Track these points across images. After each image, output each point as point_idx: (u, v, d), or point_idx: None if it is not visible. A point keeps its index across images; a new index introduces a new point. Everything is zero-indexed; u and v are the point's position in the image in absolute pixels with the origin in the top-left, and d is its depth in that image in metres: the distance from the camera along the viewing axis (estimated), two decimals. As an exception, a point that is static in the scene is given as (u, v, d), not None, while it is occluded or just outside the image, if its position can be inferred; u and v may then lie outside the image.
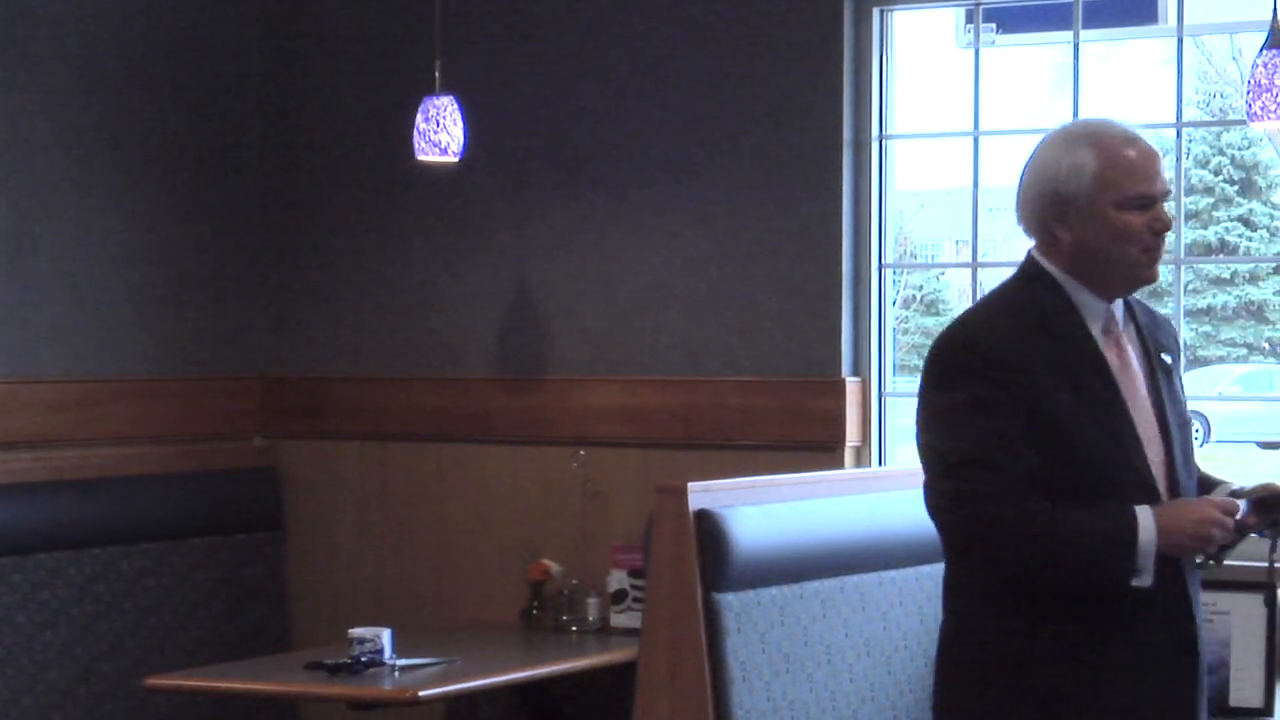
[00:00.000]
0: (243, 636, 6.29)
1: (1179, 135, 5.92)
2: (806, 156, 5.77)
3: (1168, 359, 3.87)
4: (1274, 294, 6.17)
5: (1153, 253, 3.75)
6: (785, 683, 4.62)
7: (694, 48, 5.90)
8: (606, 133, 6.04)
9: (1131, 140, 3.79)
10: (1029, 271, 3.77)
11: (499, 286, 6.18)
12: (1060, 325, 3.72)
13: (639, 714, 4.56)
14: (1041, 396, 3.62)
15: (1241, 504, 3.68)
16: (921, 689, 4.97)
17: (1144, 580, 3.53)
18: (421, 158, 5.77)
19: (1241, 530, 3.69)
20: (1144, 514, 3.57)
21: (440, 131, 5.68)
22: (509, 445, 6.15)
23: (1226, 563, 3.72)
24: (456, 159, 5.78)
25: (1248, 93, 4.94)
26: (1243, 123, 5.21)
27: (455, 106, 5.70)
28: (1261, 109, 4.88)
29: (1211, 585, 4.23)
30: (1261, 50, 4.89)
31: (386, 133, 6.16)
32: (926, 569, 4.91)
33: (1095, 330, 3.76)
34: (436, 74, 5.72)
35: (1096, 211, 3.73)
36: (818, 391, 5.70)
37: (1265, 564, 3.79)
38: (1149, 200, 3.72)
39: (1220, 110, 11.38)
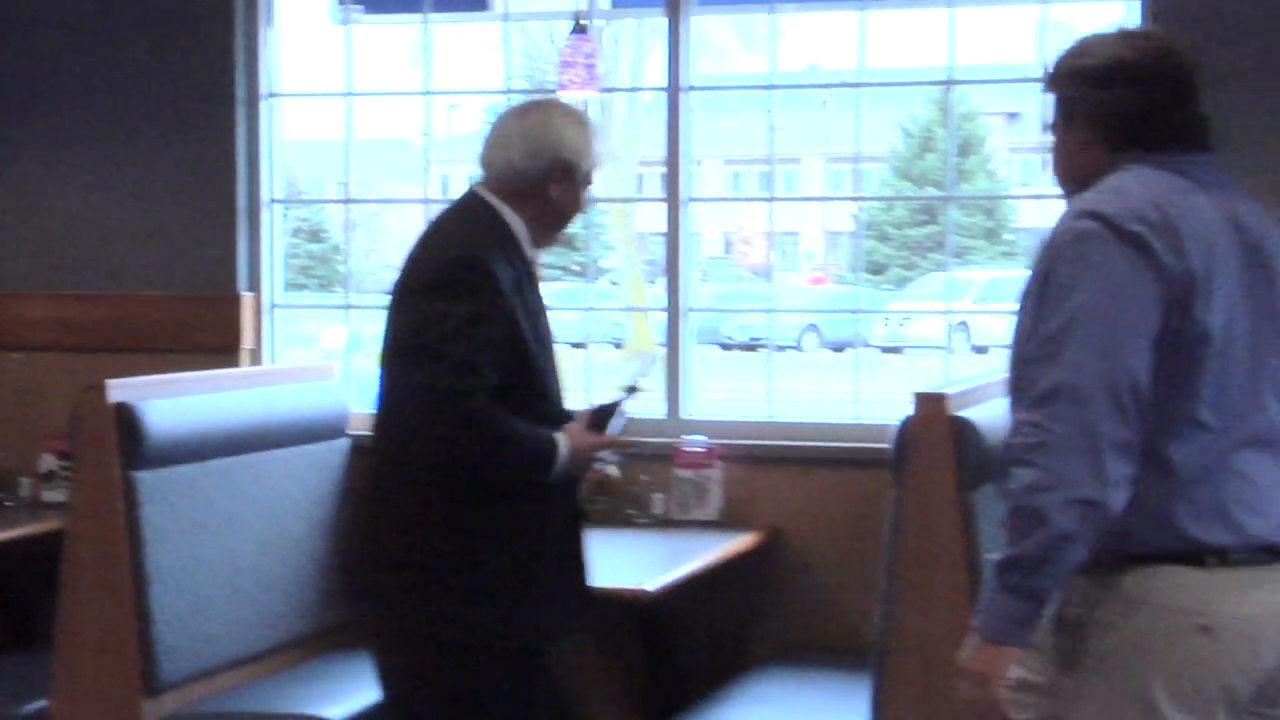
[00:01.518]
0: None
1: (507, 102, 6.02)
2: (207, 107, 5.66)
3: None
4: (579, 228, 6.25)
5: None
6: (193, 543, 4.56)
7: (108, 15, 5.72)
8: (39, 79, 5.78)
9: (599, 132, 3.86)
10: (478, 207, 3.73)
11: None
12: (517, 256, 3.70)
13: (67, 574, 4.43)
14: (513, 315, 3.61)
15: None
16: (307, 544, 5.00)
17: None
18: None
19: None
20: (562, 441, 3.62)
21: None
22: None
23: None
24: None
25: (559, 68, 5.09)
26: (555, 92, 5.29)
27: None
28: (569, 80, 5.05)
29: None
30: (570, 35, 5.04)
31: None
32: (308, 447, 4.95)
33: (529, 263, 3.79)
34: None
35: (579, 182, 3.76)
36: (219, 304, 5.63)
37: None
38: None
39: (542, 82, 11.69)
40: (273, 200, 5.79)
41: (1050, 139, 3.08)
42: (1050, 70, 3.06)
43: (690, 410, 5.51)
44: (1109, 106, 2.93)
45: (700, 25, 5.52)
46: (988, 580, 2.77)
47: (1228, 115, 4.77)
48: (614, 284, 17.83)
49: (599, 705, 5.24)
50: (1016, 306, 2.89)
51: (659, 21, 5.50)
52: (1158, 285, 2.72)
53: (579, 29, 5.02)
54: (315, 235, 13.95)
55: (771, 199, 5.94)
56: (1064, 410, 2.66)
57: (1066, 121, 3.00)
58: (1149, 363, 2.71)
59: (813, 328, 16.93)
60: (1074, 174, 3.00)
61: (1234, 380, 2.78)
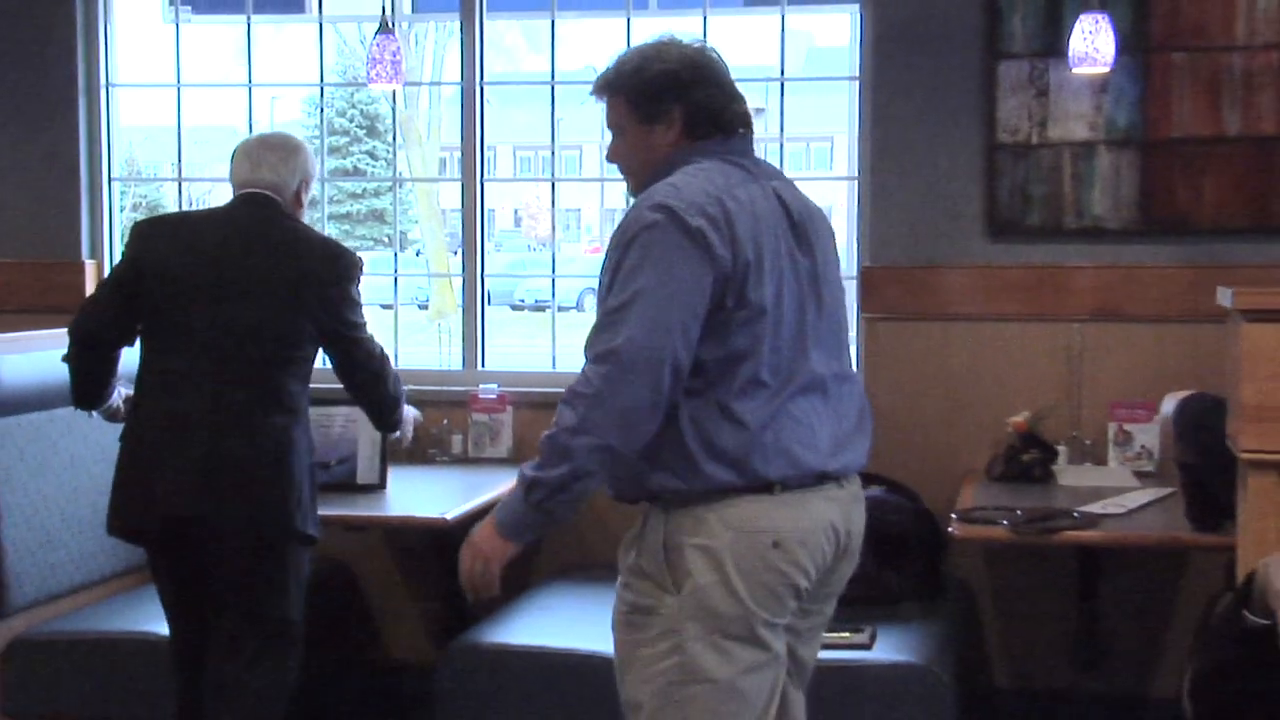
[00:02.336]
0: None
1: (321, 93, 6.01)
2: (52, 96, 5.58)
3: None
4: (389, 205, 6.22)
5: None
6: (40, 483, 4.52)
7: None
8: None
9: None
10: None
11: None
12: None
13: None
14: None
15: None
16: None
17: None
18: None
19: None
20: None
21: None
22: None
23: None
24: None
25: (368, 64, 5.09)
26: (364, 84, 5.28)
27: None
28: (376, 75, 5.02)
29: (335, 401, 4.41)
30: (375, 35, 5.02)
31: None
32: None
33: None
34: None
35: None
36: (65, 270, 5.56)
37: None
38: None
39: (354, 76, 11.59)
40: (112, 178, 5.71)
41: (614, 138, 3.08)
42: (631, 74, 3.03)
43: (485, 363, 5.57)
44: (707, 102, 2.99)
45: (492, 29, 5.57)
46: (515, 484, 2.86)
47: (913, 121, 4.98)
48: (419, 254, 17.76)
49: (405, 620, 5.33)
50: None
51: (456, 24, 5.50)
52: (711, 273, 2.83)
53: (384, 29, 5.02)
54: (153, 210, 13.87)
55: (554, 180, 6.00)
56: (610, 371, 2.76)
57: (653, 121, 3.00)
58: (694, 340, 2.82)
59: (590, 290, 17.00)
60: (651, 166, 3.01)
61: (784, 341, 2.92)
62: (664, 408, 2.80)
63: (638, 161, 3.05)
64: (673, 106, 2.99)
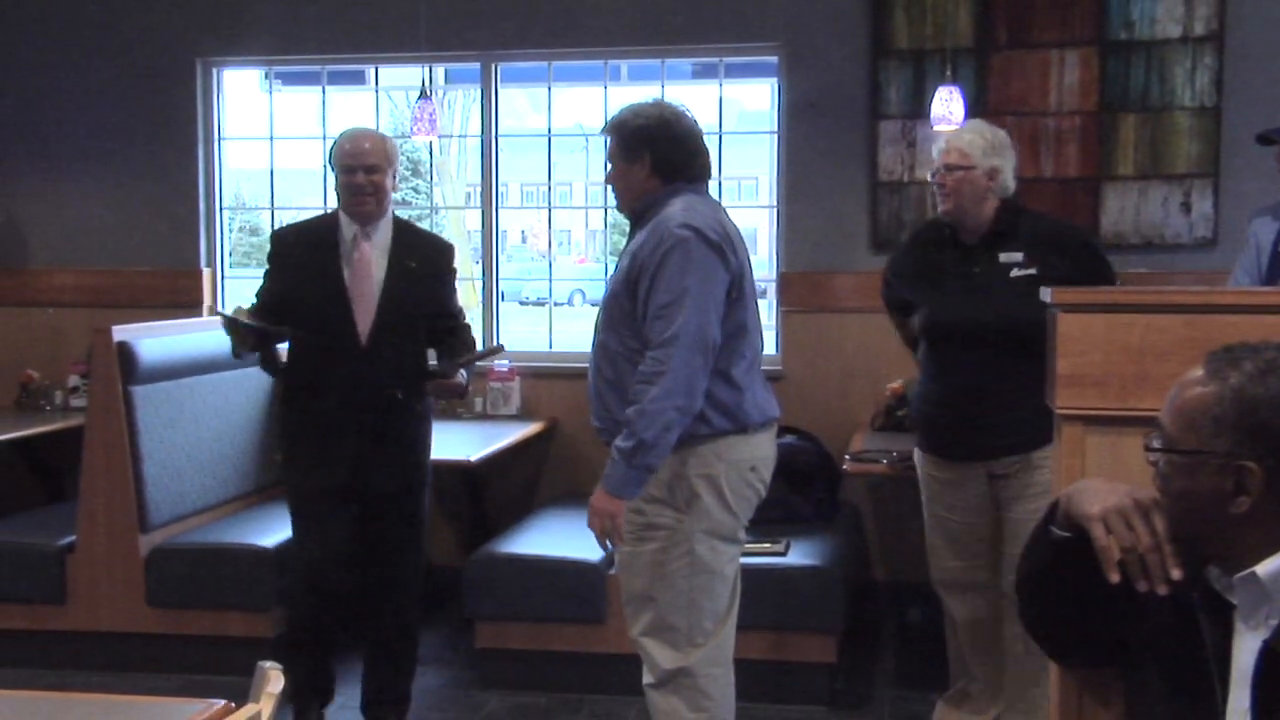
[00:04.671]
0: None
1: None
2: (178, 145, 5.51)
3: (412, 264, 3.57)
4: (428, 227, 6.19)
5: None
6: (170, 434, 4.50)
7: (115, 83, 5.52)
8: (69, 127, 5.56)
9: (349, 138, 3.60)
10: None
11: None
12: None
13: (86, 454, 4.37)
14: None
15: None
16: (244, 435, 4.93)
17: None
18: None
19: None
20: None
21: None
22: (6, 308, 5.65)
23: None
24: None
25: (412, 121, 5.06)
26: (409, 137, 5.25)
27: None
28: (418, 129, 4.98)
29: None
30: (417, 100, 4.96)
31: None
32: (245, 370, 4.77)
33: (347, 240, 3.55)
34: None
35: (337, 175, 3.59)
36: (187, 276, 5.49)
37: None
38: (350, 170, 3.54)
39: (402, 130, 11.54)
40: (222, 207, 5.65)
41: (610, 167, 3.02)
42: (613, 124, 2.99)
43: (500, 343, 5.55)
44: (668, 152, 2.95)
45: (504, 95, 5.53)
46: (615, 455, 2.80)
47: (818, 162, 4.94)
48: (450, 263, 17.73)
49: (441, 535, 5.33)
50: (632, 281, 2.87)
51: (477, 91, 5.48)
52: (726, 276, 2.87)
53: (424, 95, 4.99)
54: (253, 231, 13.72)
55: (550, 208, 5.99)
56: (673, 352, 2.77)
57: (630, 161, 2.95)
58: (720, 324, 2.85)
59: (579, 291, 16.98)
60: (635, 198, 2.98)
61: (751, 323, 2.97)
62: (709, 372, 2.82)
63: (622, 187, 3.03)
64: (644, 152, 2.96)
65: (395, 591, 3.71)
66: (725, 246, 2.86)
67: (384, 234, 3.58)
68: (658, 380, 2.76)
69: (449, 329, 3.64)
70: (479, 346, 3.68)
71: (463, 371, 3.57)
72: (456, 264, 3.73)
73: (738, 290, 2.89)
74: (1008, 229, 3.40)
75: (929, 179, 3.60)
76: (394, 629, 3.74)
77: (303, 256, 3.57)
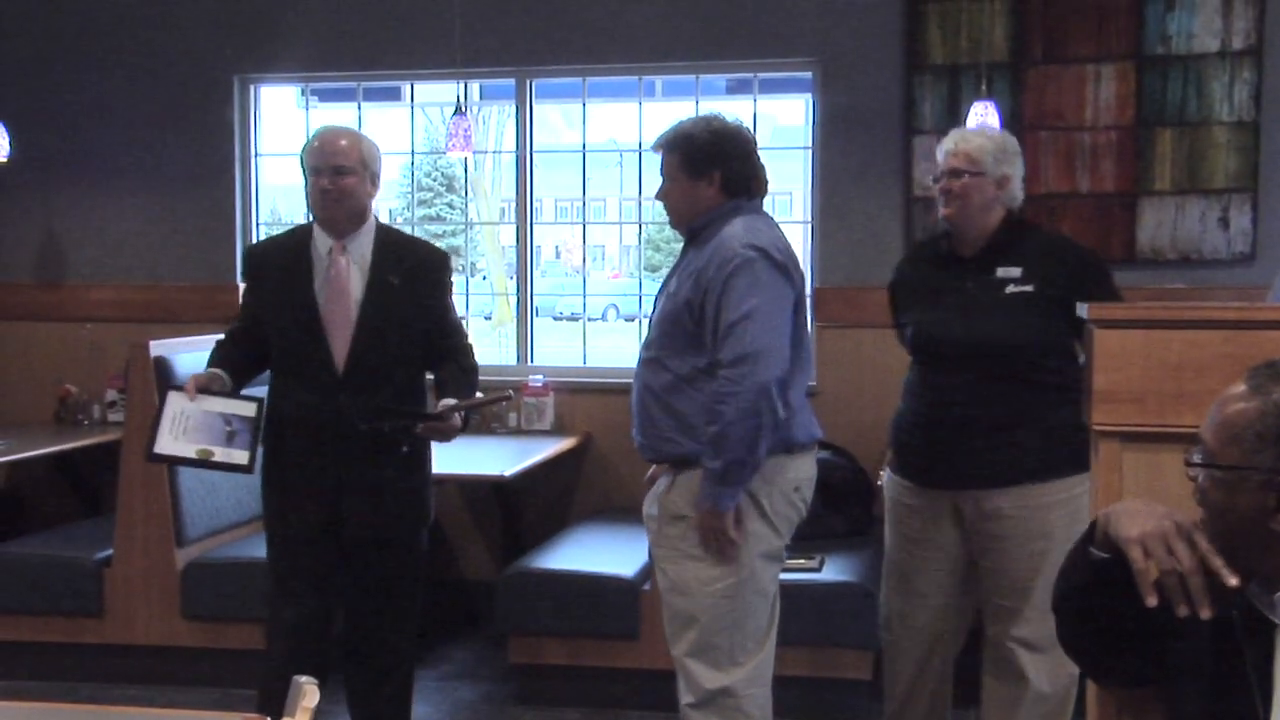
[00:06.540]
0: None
1: (413, 160, 5.98)
2: (216, 162, 5.54)
3: (394, 279, 3.16)
4: (463, 242, 6.18)
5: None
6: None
7: (157, 109, 5.58)
8: (106, 147, 5.61)
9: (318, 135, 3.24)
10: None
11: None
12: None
13: (124, 467, 4.41)
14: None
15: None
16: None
17: None
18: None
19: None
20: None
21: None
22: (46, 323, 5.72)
23: None
24: None
25: (448, 137, 5.09)
26: (444, 153, 5.27)
27: None
28: (453, 145, 5.01)
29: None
30: (452, 116, 4.99)
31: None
32: None
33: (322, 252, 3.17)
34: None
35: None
36: (222, 291, 5.49)
37: None
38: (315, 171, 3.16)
39: (437, 147, 11.59)
40: (259, 223, 5.68)
41: (665, 184, 2.96)
42: (677, 140, 2.93)
43: (534, 359, 5.54)
44: (741, 168, 2.94)
45: (539, 111, 5.54)
46: (707, 476, 2.82)
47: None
48: (485, 278, 17.79)
49: (475, 549, 5.33)
50: (696, 303, 2.85)
51: (512, 107, 5.49)
52: (791, 294, 2.88)
53: (459, 112, 5.02)
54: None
55: (584, 223, 6.00)
56: (747, 371, 2.77)
57: (696, 177, 2.91)
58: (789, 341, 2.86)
59: (613, 306, 17.00)
60: (695, 215, 2.93)
61: (805, 343, 2.97)
62: (786, 384, 2.82)
63: (683, 206, 2.97)
64: (715, 168, 2.94)
65: (382, 651, 3.29)
66: (790, 265, 2.87)
67: (363, 246, 3.13)
68: (733, 400, 2.77)
69: (447, 348, 3.21)
70: (476, 356, 3.31)
71: (458, 415, 3.12)
72: (452, 276, 3.32)
73: (799, 308, 2.91)
74: (1008, 242, 3.16)
75: (931, 182, 3.39)
76: (385, 696, 3.32)
77: (274, 274, 3.18)
